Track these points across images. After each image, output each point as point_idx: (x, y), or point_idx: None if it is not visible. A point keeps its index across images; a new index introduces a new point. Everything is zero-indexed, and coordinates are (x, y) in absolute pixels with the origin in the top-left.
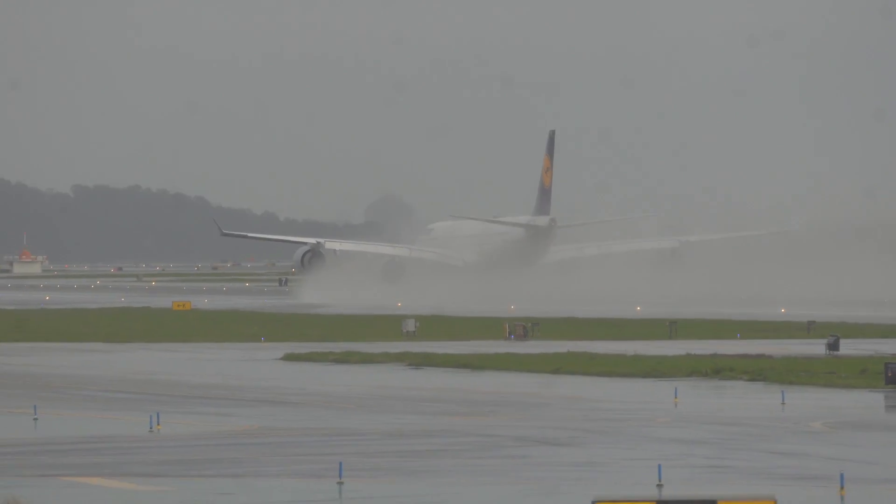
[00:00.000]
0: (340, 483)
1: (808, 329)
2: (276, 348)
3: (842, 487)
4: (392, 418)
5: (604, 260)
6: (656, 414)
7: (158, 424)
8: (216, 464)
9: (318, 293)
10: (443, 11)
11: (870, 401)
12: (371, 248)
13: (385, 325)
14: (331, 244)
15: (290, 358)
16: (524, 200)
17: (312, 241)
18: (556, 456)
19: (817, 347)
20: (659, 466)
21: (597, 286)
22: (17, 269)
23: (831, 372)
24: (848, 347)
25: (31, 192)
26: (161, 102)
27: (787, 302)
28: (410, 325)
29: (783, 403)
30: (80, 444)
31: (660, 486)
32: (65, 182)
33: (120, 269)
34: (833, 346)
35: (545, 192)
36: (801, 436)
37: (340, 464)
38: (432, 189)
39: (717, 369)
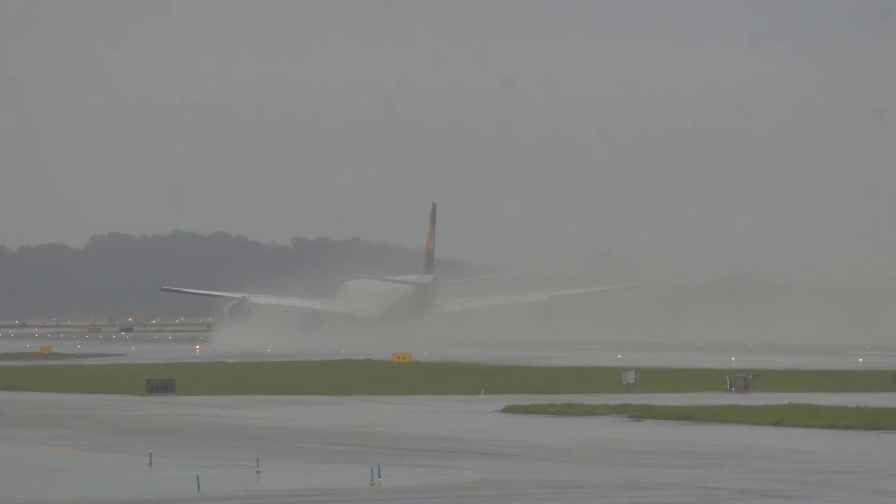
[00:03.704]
0: None
1: None
2: (496, 400)
3: None
4: (613, 471)
5: (487, 311)
6: (881, 467)
7: (380, 477)
8: None
9: (237, 341)
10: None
11: None
12: (290, 302)
13: (605, 378)
14: (255, 298)
15: (510, 410)
16: None
17: (239, 295)
18: None
19: None
20: None
21: (484, 332)
22: None
23: None
24: None
25: (252, 245)
26: (373, 155)
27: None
28: (630, 378)
29: None
30: (302, 497)
31: None
32: (285, 235)
33: None
34: None
35: (430, 254)
36: None
37: None
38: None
39: None
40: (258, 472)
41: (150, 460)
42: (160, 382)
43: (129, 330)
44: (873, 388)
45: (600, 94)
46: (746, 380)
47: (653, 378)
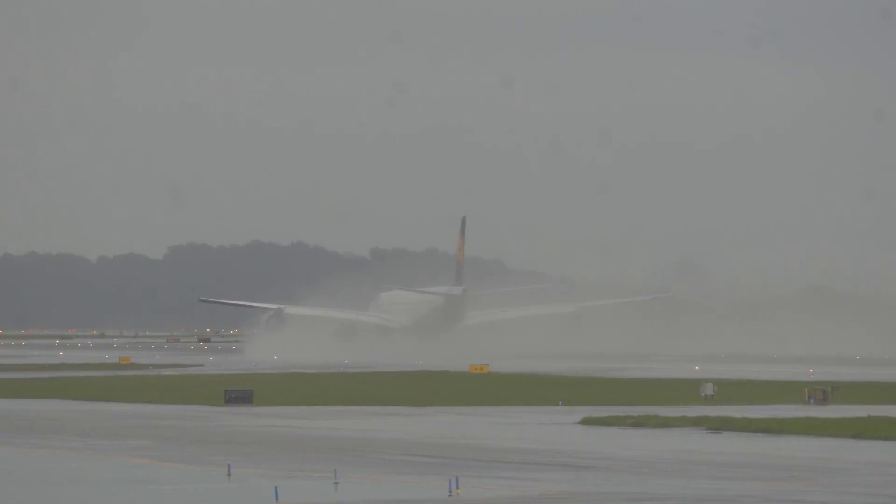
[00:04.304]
0: None
1: None
2: (573, 412)
3: None
4: (690, 483)
5: (517, 322)
6: None
7: (458, 489)
8: None
9: (272, 351)
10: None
11: None
12: (324, 313)
13: (683, 390)
14: (291, 309)
15: (588, 422)
16: None
17: (275, 306)
18: None
19: None
20: None
21: (514, 343)
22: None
23: None
24: None
25: (330, 255)
26: (447, 170)
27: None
28: (708, 389)
29: None
30: None
31: None
32: (363, 245)
33: None
34: None
35: (460, 267)
36: None
37: None
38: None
39: None
40: (336, 483)
41: (229, 471)
42: (238, 393)
43: (207, 340)
44: None
45: (634, 103)
46: (825, 392)
47: (731, 390)
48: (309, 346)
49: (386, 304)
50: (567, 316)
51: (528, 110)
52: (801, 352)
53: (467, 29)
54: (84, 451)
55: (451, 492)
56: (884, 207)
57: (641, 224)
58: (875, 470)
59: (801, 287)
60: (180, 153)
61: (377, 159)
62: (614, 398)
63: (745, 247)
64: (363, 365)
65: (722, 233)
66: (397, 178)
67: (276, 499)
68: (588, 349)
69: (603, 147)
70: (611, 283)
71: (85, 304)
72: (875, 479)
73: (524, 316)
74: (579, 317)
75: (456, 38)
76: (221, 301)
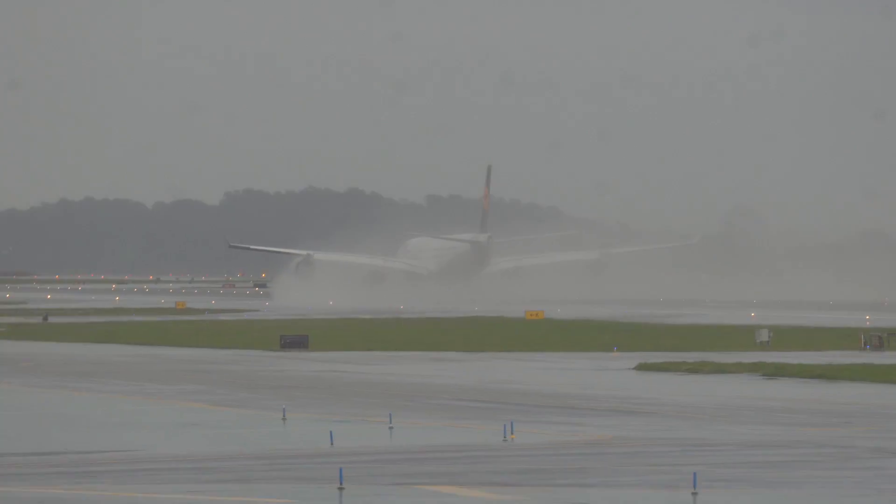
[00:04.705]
0: (695, 494)
1: None
2: (628, 358)
3: None
4: (746, 429)
5: (540, 269)
6: None
7: (512, 434)
8: (570, 473)
9: (300, 296)
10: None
11: None
12: (353, 259)
13: (738, 336)
14: (319, 255)
15: (642, 367)
16: None
17: (304, 252)
18: None
19: None
20: None
21: (539, 289)
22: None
23: None
24: None
25: (386, 201)
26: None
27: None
28: (764, 335)
29: None
30: (435, 453)
31: None
32: (418, 192)
33: None
34: None
35: (485, 214)
36: None
37: (695, 474)
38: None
39: None
40: (391, 427)
41: (284, 415)
42: (294, 338)
43: (262, 286)
44: None
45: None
46: (881, 338)
47: (786, 336)
48: (336, 291)
49: (413, 250)
50: (590, 262)
51: (604, 48)
52: (857, 298)
53: None
54: (138, 395)
55: (505, 437)
56: None
57: (699, 172)
58: None
59: (856, 232)
60: (237, 101)
61: (434, 107)
62: (669, 344)
63: (800, 192)
64: (417, 311)
65: (778, 178)
66: (453, 126)
67: (332, 443)
68: (613, 296)
69: (662, 96)
70: (667, 228)
71: (141, 250)
72: None
73: (547, 262)
74: (605, 264)
75: None
76: (251, 247)
